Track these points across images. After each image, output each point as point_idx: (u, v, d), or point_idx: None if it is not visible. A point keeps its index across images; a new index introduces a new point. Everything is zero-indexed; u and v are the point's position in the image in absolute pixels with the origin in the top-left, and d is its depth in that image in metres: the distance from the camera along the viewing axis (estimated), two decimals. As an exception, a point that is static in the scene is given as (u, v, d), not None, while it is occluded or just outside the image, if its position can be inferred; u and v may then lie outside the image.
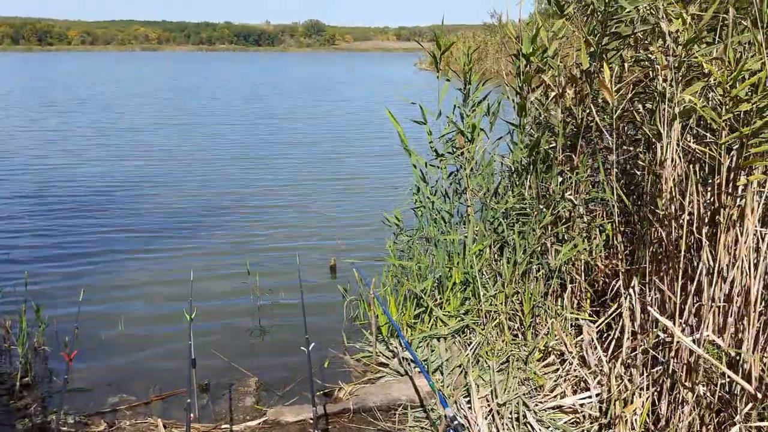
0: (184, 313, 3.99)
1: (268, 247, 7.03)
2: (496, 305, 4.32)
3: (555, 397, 3.67)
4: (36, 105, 23.31)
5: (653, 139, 3.37)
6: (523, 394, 3.67)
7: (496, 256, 4.56)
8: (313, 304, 5.21)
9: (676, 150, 3.15)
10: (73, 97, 26.79)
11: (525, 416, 3.47)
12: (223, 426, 3.64)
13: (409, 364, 4.14)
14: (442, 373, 3.98)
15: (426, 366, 4.04)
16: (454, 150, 4.73)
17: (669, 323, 2.85)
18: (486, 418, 3.49)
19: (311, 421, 3.46)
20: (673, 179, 3.16)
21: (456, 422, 2.84)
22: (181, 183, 10.01)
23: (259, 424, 3.65)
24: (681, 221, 3.10)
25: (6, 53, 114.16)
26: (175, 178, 10.36)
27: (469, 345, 4.22)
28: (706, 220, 3.08)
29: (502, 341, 4.16)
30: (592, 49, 3.91)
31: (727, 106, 2.80)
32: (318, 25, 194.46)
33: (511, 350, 4.06)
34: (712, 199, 3.06)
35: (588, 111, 4.08)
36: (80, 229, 7.49)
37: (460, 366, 4.04)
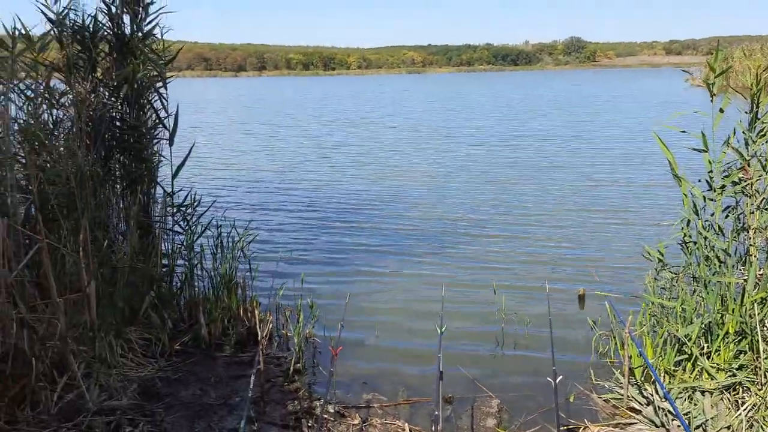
0: (434, 326, 4.17)
1: (516, 269, 7.00)
2: (781, 365, 3.71)
3: None
4: (315, 123, 26.56)
5: None
6: (813, 476, 3.09)
7: (785, 307, 3.92)
8: (560, 333, 5.05)
9: None
10: (347, 117, 29.91)
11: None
12: (463, 442, 3.71)
13: (666, 414, 3.77)
14: (705, 432, 3.55)
15: (687, 421, 3.63)
16: (739, 181, 4.19)
17: None
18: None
19: (553, 456, 3.34)
20: None
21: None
22: (434, 204, 10.41)
23: (499, 447, 3.64)
24: None
25: (298, 77, 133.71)
26: (429, 199, 10.82)
27: (741, 405, 3.69)
28: None
29: (787, 408, 3.56)
30: None
31: None
32: (578, 42, 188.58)
33: (799, 421, 3.45)
34: None
35: None
36: (344, 241, 8.27)
37: (728, 428, 3.56)
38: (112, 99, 5.33)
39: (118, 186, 5.41)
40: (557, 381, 3.43)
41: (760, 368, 3.79)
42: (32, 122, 4.53)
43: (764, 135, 4.17)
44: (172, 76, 5.65)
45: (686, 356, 4.10)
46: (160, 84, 5.52)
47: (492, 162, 14.76)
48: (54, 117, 4.89)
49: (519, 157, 15.41)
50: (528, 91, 53.23)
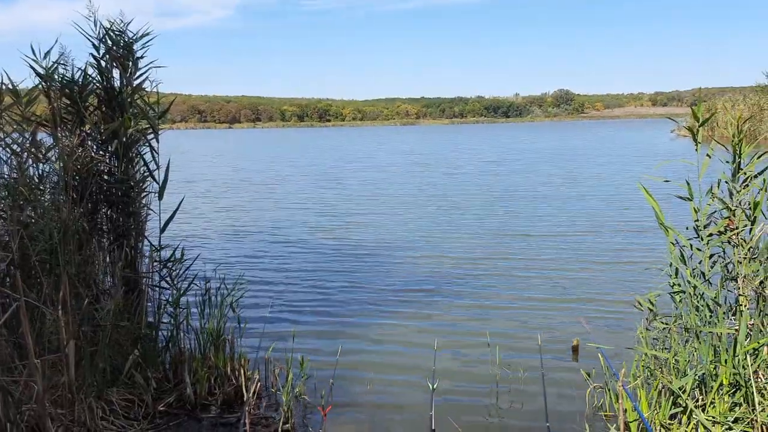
0: (426, 382, 4.06)
1: (509, 320, 6.93)
2: (777, 418, 3.63)
3: None
4: (304, 176, 26.70)
5: None
6: None
7: (778, 358, 3.86)
8: (554, 386, 4.98)
9: None
10: (336, 169, 30.11)
11: None
12: (455, 504, 3.57)
13: (663, 471, 3.65)
14: (704, 490, 3.43)
15: (685, 478, 3.52)
16: (725, 231, 4.19)
17: None
18: None
19: None
20: None
21: None
22: (425, 258, 10.22)
23: None
24: None
25: (294, 128, 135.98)
26: (419, 253, 10.65)
27: (740, 460, 3.58)
28: None
29: (786, 463, 3.46)
30: None
31: None
32: (567, 95, 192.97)
33: (799, 477, 3.35)
34: None
35: None
36: (334, 296, 8.10)
37: (728, 485, 3.44)
38: (101, 152, 5.32)
39: (104, 240, 5.35)
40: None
41: (756, 421, 3.70)
42: (16, 176, 4.50)
43: (748, 185, 4.19)
44: (164, 128, 5.62)
45: (681, 409, 4.00)
46: (151, 136, 5.51)
47: (483, 215, 14.74)
48: (40, 171, 4.86)
49: (509, 210, 15.31)
50: (514, 143, 53.92)
